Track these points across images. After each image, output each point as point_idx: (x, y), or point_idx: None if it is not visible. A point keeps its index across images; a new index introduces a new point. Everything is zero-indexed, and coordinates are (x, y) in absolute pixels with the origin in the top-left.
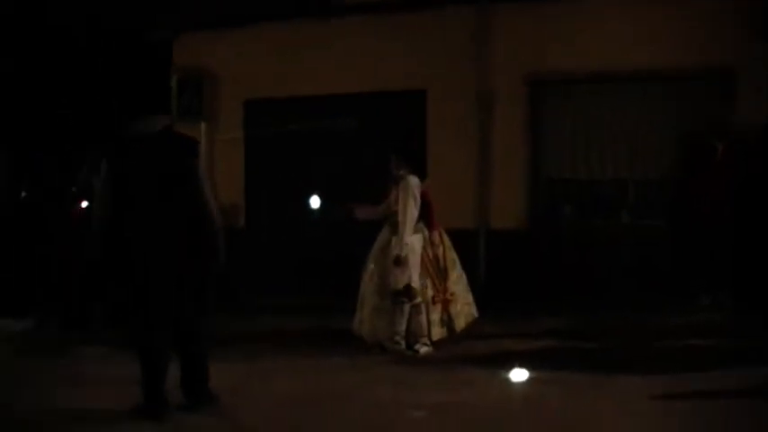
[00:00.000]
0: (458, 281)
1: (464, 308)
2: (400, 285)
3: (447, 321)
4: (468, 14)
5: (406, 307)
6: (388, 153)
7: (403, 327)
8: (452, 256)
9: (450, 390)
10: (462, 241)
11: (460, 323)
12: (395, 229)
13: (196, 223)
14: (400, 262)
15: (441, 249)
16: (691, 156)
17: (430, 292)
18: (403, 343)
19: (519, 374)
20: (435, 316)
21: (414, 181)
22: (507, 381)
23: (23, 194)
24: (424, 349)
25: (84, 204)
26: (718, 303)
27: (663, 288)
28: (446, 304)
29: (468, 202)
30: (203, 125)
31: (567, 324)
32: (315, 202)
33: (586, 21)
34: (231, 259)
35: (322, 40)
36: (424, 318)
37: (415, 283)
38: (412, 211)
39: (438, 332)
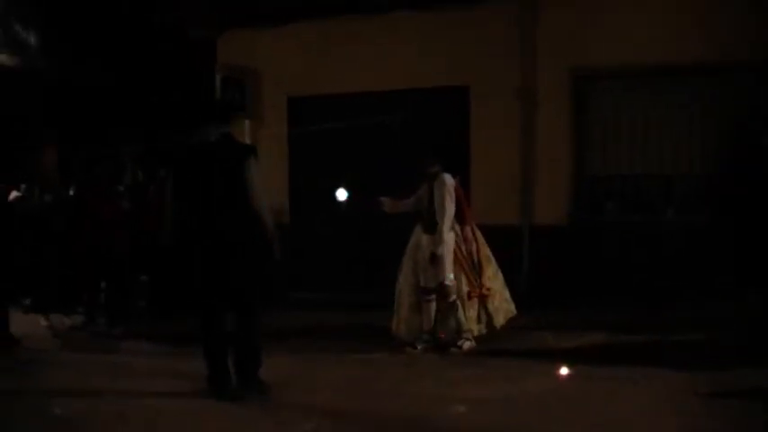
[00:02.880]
0: (494, 277)
1: (502, 304)
2: (432, 283)
3: (485, 318)
4: (511, 10)
5: (433, 305)
6: (422, 150)
7: (431, 325)
8: (486, 252)
9: (491, 385)
10: (506, 237)
11: (499, 320)
12: (426, 226)
13: (253, 221)
14: (437, 260)
15: (474, 245)
16: (737, 149)
17: (465, 288)
18: (431, 340)
19: (561, 370)
20: (472, 312)
21: (448, 179)
22: (549, 376)
23: (71, 191)
24: (467, 344)
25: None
26: (765, 299)
27: (707, 284)
28: (483, 300)
29: (512, 198)
30: (247, 122)
31: (610, 320)
32: (341, 194)
33: (630, 14)
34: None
35: (366, 37)
36: (462, 314)
37: (450, 281)
38: (450, 209)
39: (476, 328)
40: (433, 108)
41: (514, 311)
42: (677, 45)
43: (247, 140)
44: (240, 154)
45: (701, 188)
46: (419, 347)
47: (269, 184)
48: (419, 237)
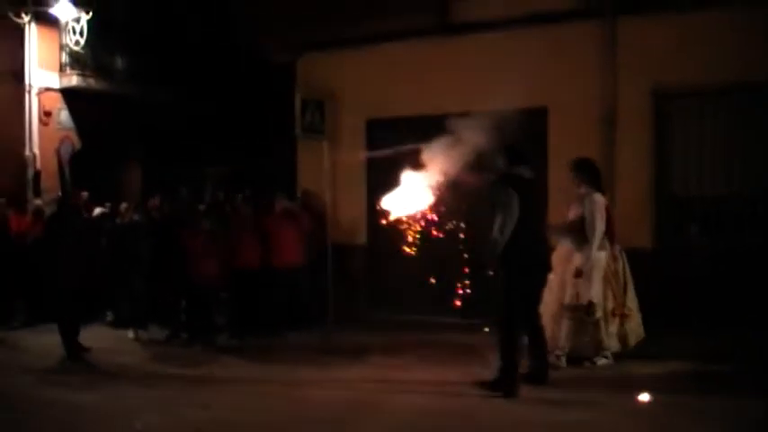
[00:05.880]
0: (633, 298)
1: (638, 327)
2: (581, 300)
3: (623, 336)
4: (589, 29)
5: (573, 323)
6: (570, 170)
7: (569, 342)
8: (629, 272)
9: (571, 410)
10: None
11: (632, 340)
12: (577, 242)
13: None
14: (580, 275)
15: (621, 264)
16: None
17: (610, 305)
18: (564, 359)
19: (643, 397)
20: (613, 328)
21: (599, 198)
22: (631, 403)
23: (154, 210)
24: (602, 361)
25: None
26: None
27: None
28: (623, 319)
29: None
30: (325, 144)
31: (695, 345)
32: None
33: (710, 31)
34: (354, 275)
35: (442, 59)
36: (603, 331)
37: (597, 300)
38: (601, 228)
39: (614, 344)
40: (511, 129)
41: (643, 335)
42: (758, 62)
43: (326, 163)
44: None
45: None
46: (561, 360)
47: (347, 204)
48: (567, 249)
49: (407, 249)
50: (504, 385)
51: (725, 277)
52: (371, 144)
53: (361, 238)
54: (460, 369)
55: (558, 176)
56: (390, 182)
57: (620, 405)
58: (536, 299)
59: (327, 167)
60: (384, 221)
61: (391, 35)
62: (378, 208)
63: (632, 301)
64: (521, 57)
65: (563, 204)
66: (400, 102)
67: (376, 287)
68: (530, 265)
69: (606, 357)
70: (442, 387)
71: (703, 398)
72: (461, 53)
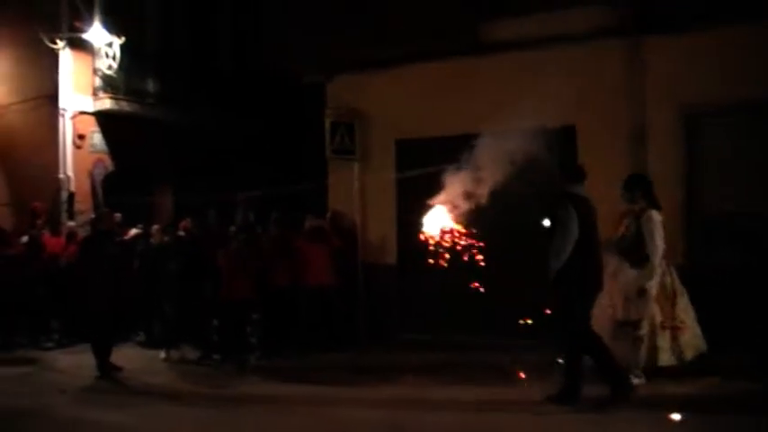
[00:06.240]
0: (686, 310)
1: (693, 339)
2: (635, 316)
3: (678, 350)
4: (617, 47)
5: (638, 341)
6: (623, 188)
7: (640, 359)
8: (679, 285)
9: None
10: None
11: (689, 354)
12: (633, 260)
13: None
14: (644, 293)
15: (668, 277)
16: None
17: (659, 318)
18: (641, 377)
19: (675, 418)
20: (664, 343)
21: (657, 216)
22: (661, 423)
23: (183, 233)
24: (635, 381)
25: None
26: None
27: None
28: (675, 332)
29: None
30: (356, 165)
31: (729, 363)
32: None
33: (741, 48)
34: (384, 294)
35: (471, 78)
36: (643, 350)
37: (647, 317)
38: (661, 245)
39: (666, 359)
40: (539, 148)
41: (705, 348)
42: None
43: (356, 183)
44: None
45: None
46: (637, 381)
47: (377, 223)
48: (615, 265)
49: (440, 264)
50: (568, 398)
51: (756, 295)
52: (401, 164)
53: (392, 257)
54: (492, 388)
55: (592, 195)
56: (420, 201)
57: (650, 422)
58: (589, 317)
59: (357, 188)
60: (421, 238)
61: (420, 56)
62: (410, 227)
63: (685, 314)
64: (549, 76)
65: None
66: (429, 122)
67: (406, 306)
68: (586, 283)
69: (639, 377)
70: (475, 406)
71: (735, 416)
72: (490, 73)
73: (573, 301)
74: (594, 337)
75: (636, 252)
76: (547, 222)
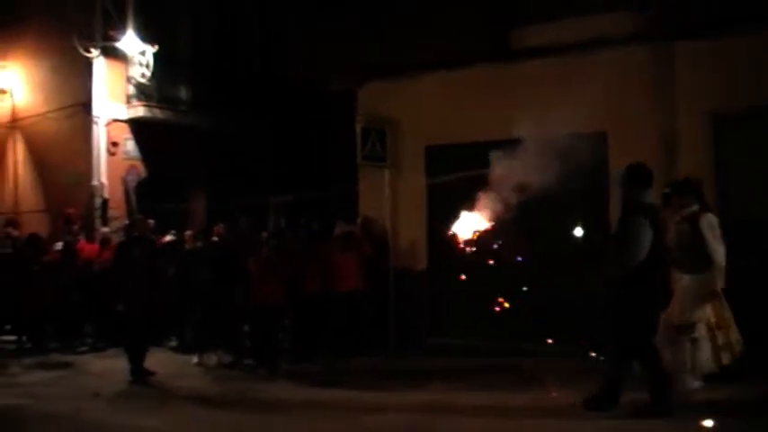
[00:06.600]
0: (729, 310)
1: (737, 339)
2: (692, 320)
3: (731, 348)
4: (647, 53)
5: (689, 345)
6: (675, 193)
7: (700, 362)
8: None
9: None
10: None
11: (737, 352)
12: (689, 266)
13: None
14: (718, 297)
15: None
16: None
17: (713, 320)
18: (699, 380)
19: (704, 422)
20: (722, 340)
21: (713, 218)
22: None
23: (216, 238)
24: (696, 384)
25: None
26: None
27: None
28: (726, 331)
29: None
30: (387, 171)
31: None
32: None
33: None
34: (415, 300)
35: (501, 85)
36: (705, 352)
37: (701, 319)
38: (722, 248)
39: (727, 357)
40: (570, 154)
41: (743, 349)
42: None
43: (386, 189)
44: None
45: None
46: (696, 385)
47: (407, 229)
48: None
49: (470, 270)
50: (606, 403)
51: None
52: (431, 170)
53: (422, 263)
54: (520, 393)
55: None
56: (450, 207)
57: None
58: (655, 327)
59: (388, 194)
60: (451, 244)
61: (451, 62)
62: (440, 233)
63: (729, 314)
64: (579, 82)
65: None
66: (459, 128)
67: (436, 312)
68: (657, 294)
69: (696, 380)
70: (502, 412)
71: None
72: (520, 79)
73: (640, 309)
74: (654, 346)
75: (693, 257)
76: (578, 231)
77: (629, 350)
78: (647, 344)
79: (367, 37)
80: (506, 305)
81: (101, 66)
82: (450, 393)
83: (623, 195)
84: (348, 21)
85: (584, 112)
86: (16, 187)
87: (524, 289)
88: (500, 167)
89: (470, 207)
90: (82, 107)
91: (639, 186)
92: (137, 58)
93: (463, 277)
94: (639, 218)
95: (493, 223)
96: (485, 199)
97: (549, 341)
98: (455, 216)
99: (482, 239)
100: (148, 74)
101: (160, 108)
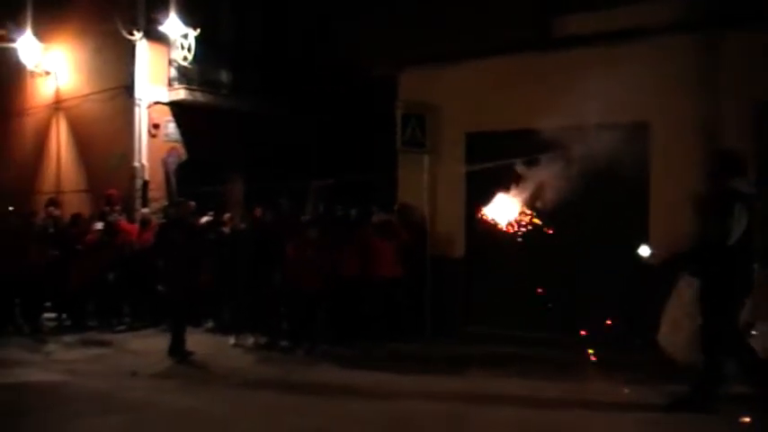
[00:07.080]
0: None
1: None
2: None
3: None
4: (691, 42)
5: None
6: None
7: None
8: None
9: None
10: None
11: None
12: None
13: None
14: None
15: None
16: None
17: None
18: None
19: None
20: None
21: None
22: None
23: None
24: None
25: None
26: None
27: None
28: None
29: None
30: (426, 157)
31: None
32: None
33: None
34: (452, 287)
35: (542, 73)
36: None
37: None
38: None
39: None
40: (612, 144)
41: None
42: None
43: (425, 176)
44: None
45: None
46: None
47: (446, 216)
48: None
49: (508, 258)
50: (703, 404)
51: None
52: (471, 157)
53: (460, 250)
54: (558, 384)
55: (664, 191)
56: (489, 195)
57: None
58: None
59: (427, 181)
60: (489, 232)
61: (491, 49)
62: (478, 221)
63: None
64: (621, 70)
65: (668, 220)
66: (499, 115)
67: (473, 300)
68: (742, 284)
69: None
70: (535, 401)
71: None
72: (561, 67)
73: (725, 300)
74: (741, 338)
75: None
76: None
77: (722, 346)
78: (730, 335)
79: (410, 23)
80: (544, 295)
81: (143, 48)
82: (484, 380)
83: (715, 186)
84: (393, 6)
85: (627, 101)
86: (59, 167)
87: (560, 280)
88: (539, 156)
89: (508, 196)
90: (124, 89)
91: (732, 174)
92: (179, 41)
93: (499, 257)
94: (736, 211)
95: (529, 213)
96: (523, 188)
97: (583, 333)
98: (494, 204)
99: (519, 230)
100: (190, 57)
101: (201, 91)
